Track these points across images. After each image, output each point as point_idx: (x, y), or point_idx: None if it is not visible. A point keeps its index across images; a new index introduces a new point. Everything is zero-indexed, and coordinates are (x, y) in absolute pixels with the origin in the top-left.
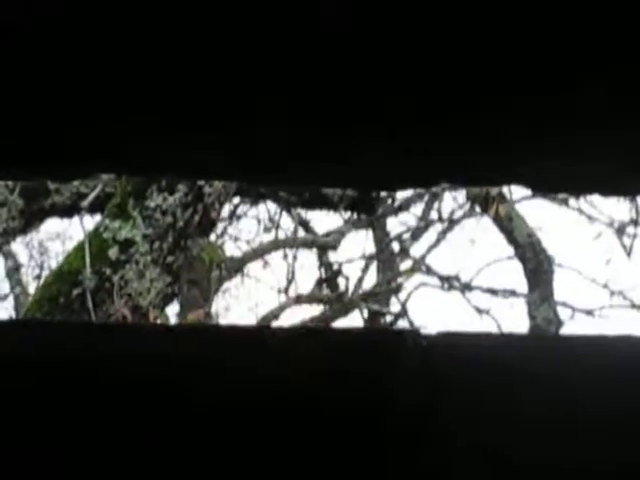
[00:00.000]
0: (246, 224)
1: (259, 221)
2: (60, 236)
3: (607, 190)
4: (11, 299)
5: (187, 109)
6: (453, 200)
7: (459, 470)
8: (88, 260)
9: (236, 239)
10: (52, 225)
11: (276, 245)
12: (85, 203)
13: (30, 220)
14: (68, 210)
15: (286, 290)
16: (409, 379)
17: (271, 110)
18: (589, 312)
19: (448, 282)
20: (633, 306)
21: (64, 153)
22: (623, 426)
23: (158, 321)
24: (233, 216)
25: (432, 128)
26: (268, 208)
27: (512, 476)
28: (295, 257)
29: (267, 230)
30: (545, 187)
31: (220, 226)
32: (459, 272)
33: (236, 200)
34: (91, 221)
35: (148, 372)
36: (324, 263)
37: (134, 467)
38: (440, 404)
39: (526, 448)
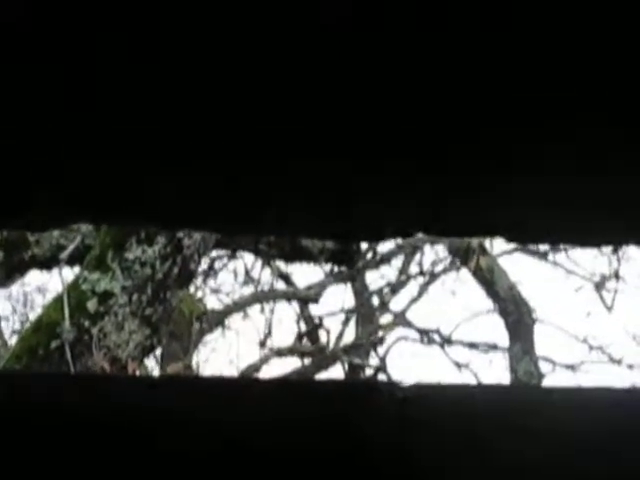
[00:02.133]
0: (226, 277)
1: (235, 274)
2: (41, 289)
3: (586, 240)
4: None
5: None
6: (434, 254)
7: None
8: (67, 312)
9: (216, 292)
10: (35, 277)
11: (257, 298)
12: (64, 255)
13: (10, 272)
14: (48, 262)
15: (263, 343)
16: (384, 429)
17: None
18: (570, 366)
19: (427, 336)
20: (612, 360)
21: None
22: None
23: (137, 373)
24: (211, 269)
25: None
26: (245, 262)
27: None
28: (272, 310)
29: (246, 283)
30: (521, 238)
31: (199, 279)
32: (439, 326)
33: (215, 253)
34: (70, 273)
35: (126, 422)
36: (305, 316)
37: None
38: (415, 453)
39: None
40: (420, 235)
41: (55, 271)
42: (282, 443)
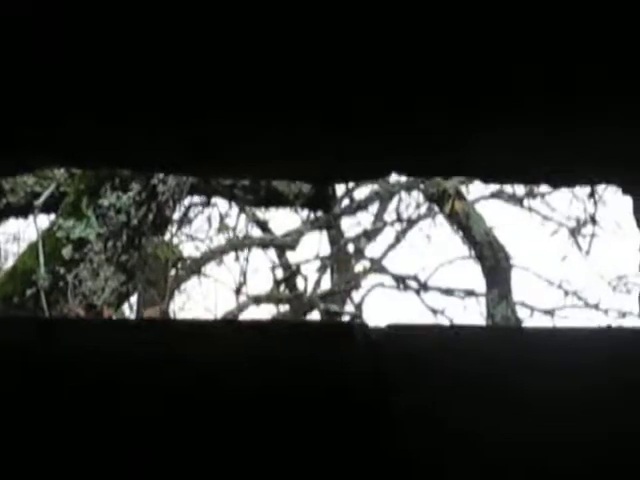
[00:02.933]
0: (201, 225)
1: (210, 222)
2: (16, 237)
3: (560, 181)
4: None
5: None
6: (410, 200)
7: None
8: (42, 259)
9: (192, 238)
10: (9, 227)
11: (233, 245)
12: (39, 202)
13: None
14: (23, 210)
15: (238, 290)
16: (358, 369)
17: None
18: (548, 312)
19: (403, 282)
20: (588, 305)
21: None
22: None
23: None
24: (186, 216)
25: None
26: (220, 210)
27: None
28: (247, 258)
29: (221, 230)
30: (495, 177)
31: (175, 226)
32: (415, 273)
33: (189, 200)
34: (46, 220)
35: (103, 365)
36: (282, 263)
37: (83, 456)
38: (390, 394)
39: (482, 425)
40: (395, 177)
41: (30, 219)
42: (255, 380)
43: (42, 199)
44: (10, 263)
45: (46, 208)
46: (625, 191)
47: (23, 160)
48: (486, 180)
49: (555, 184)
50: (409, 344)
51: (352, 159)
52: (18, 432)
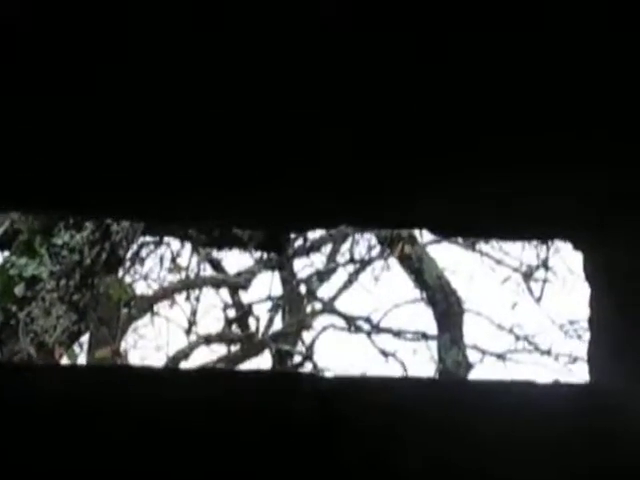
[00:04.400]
0: (154, 264)
1: (162, 261)
2: None
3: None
4: None
5: None
6: (363, 242)
7: None
8: None
9: (145, 277)
10: None
11: (185, 284)
12: None
13: None
14: None
15: (189, 330)
16: (306, 420)
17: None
18: (499, 356)
19: (354, 324)
20: (539, 350)
21: None
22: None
23: (64, 358)
24: (139, 255)
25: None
26: (173, 249)
27: None
28: (198, 297)
29: (173, 270)
30: (446, 230)
31: (128, 265)
32: (367, 314)
33: (143, 239)
34: None
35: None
36: (235, 303)
37: None
38: (335, 449)
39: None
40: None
41: None
42: (200, 427)
43: None
44: None
45: (0, 246)
46: (576, 247)
47: None
48: (434, 232)
49: (505, 238)
50: (357, 395)
51: (306, 210)
52: None
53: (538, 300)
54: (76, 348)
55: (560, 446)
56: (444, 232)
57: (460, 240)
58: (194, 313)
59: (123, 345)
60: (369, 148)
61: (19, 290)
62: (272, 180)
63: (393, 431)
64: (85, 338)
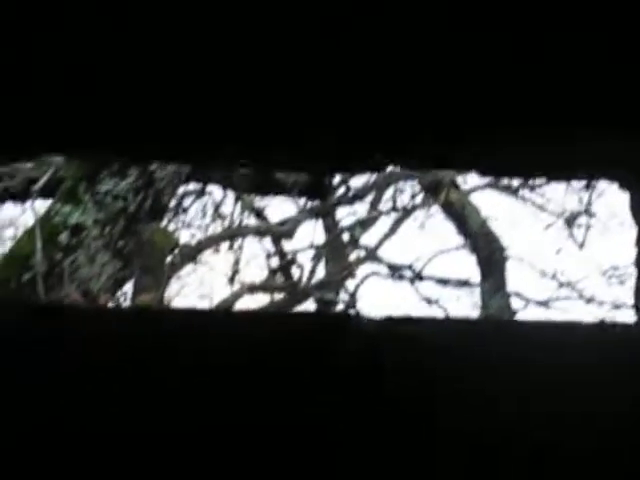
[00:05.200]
0: (198, 213)
1: (204, 212)
2: (13, 223)
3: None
4: None
5: None
6: (407, 189)
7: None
8: (39, 244)
9: (188, 226)
10: (6, 212)
11: (229, 233)
12: (37, 187)
13: None
14: (20, 195)
15: (232, 279)
16: (353, 360)
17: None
18: (542, 303)
19: (398, 272)
20: (582, 297)
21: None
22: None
23: (109, 305)
24: (182, 204)
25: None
26: (216, 198)
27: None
28: (241, 246)
29: (216, 218)
30: (494, 171)
31: (171, 213)
32: (410, 262)
33: (186, 188)
34: (43, 206)
35: (101, 354)
36: (278, 252)
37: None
38: (382, 381)
39: (473, 427)
40: (391, 169)
41: (27, 204)
42: (250, 371)
43: (40, 184)
44: (7, 248)
45: (44, 193)
46: (622, 186)
47: (21, 148)
48: (483, 173)
49: (552, 178)
50: (403, 335)
51: (351, 152)
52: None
53: (581, 246)
54: (120, 296)
55: (605, 385)
56: (492, 173)
57: (507, 181)
58: (237, 262)
59: (167, 293)
60: (413, 87)
61: (63, 238)
62: (319, 121)
63: (438, 370)
64: (129, 285)
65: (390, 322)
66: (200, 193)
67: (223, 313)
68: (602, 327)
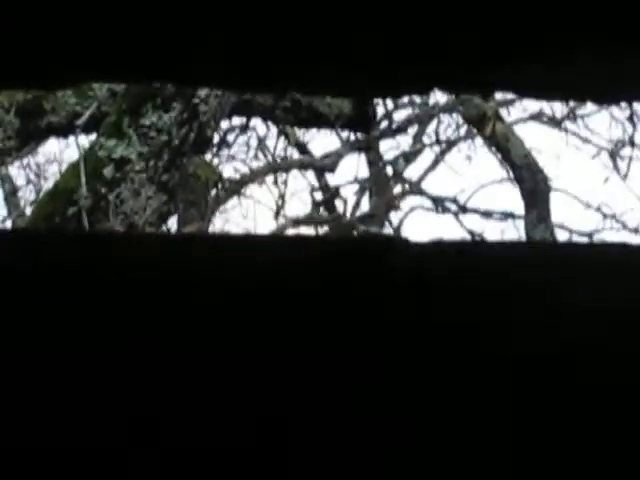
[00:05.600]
0: (241, 147)
1: (248, 144)
2: (57, 158)
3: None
4: (9, 224)
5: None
6: (449, 122)
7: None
8: (83, 179)
9: (232, 159)
10: (50, 147)
11: (273, 167)
12: (80, 122)
13: (26, 140)
14: (64, 129)
15: (277, 213)
16: (398, 282)
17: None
18: (586, 234)
19: (442, 205)
20: (626, 228)
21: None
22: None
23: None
24: (226, 138)
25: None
26: (260, 133)
27: (504, 380)
28: (286, 180)
29: (261, 151)
30: (542, 93)
31: (215, 148)
32: (454, 195)
33: (228, 122)
34: (86, 140)
35: (146, 278)
36: (321, 185)
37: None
38: (432, 309)
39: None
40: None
41: (71, 139)
42: (295, 293)
43: (83, 119)
44: (51, 183)
45: (87, 128)
46: None
47: (64, 74)
48: (530, 96)
49: (600, 102)
50: (447, 257)
51: (394, 73)
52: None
53: (624, 177)
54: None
55: None
56: (540, 95)
57: (551, 113)
58: (282, 196)
59: (211, 227)
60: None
61: (108, 172)
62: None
63: (483, 292)
64: (174, 219)
65: (436, 245)
66: (244, 128)
67: (270, 237)
68: None
